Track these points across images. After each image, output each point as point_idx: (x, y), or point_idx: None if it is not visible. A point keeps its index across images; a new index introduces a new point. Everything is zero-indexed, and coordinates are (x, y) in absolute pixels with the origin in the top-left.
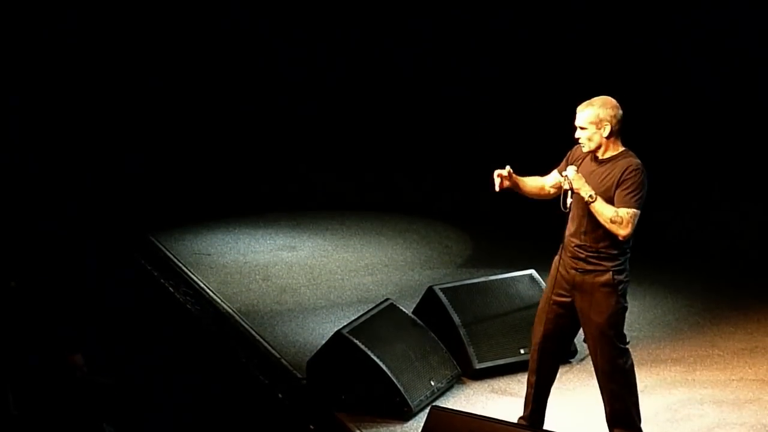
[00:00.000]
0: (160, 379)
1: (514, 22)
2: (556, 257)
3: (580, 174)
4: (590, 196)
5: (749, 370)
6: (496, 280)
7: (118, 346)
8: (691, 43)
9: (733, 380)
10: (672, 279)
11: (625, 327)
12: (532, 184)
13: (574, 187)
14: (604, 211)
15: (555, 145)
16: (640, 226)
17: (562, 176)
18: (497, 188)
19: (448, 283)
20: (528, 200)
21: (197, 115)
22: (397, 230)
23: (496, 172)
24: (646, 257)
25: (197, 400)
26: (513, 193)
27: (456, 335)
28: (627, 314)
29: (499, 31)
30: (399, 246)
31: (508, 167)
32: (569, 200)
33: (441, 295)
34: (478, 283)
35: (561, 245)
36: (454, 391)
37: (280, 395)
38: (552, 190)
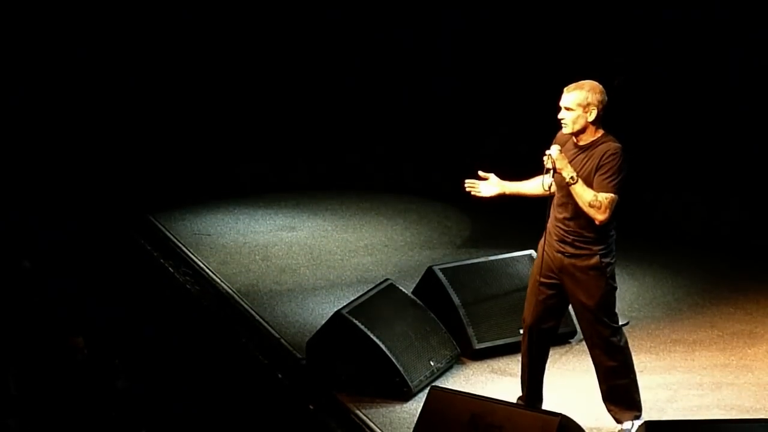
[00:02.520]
0: (160, 359)
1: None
2: (541, 240)
3: (563, 155)
4: (571, 177)
5: (748, 351)
6: (496, 260)
7: (117, 325)
8: (694, 32)
9: (732, 360)
10: (671, 260)
11: (624, 307)
12: (532, 185)
13: (557, 166)
14: (583, 194)
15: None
16: (641, 206)
17: (545, 155)
18: (472, 194)
19: (447, 263)
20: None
21: (198, 94)
22: (397, 211)
23: (468, 181)
24: (646, 238)
25: (197, 381)
26: (510, 198)
27: (455, 315)
28: (626, 294)
29: (492, 13)
30: (398, 226)
31: (490, 175)
32: (551, 180)
33: (440, 275)
34: (478, 263)
35: (547, 227)
36: (453, 371)
37: (279, 375)
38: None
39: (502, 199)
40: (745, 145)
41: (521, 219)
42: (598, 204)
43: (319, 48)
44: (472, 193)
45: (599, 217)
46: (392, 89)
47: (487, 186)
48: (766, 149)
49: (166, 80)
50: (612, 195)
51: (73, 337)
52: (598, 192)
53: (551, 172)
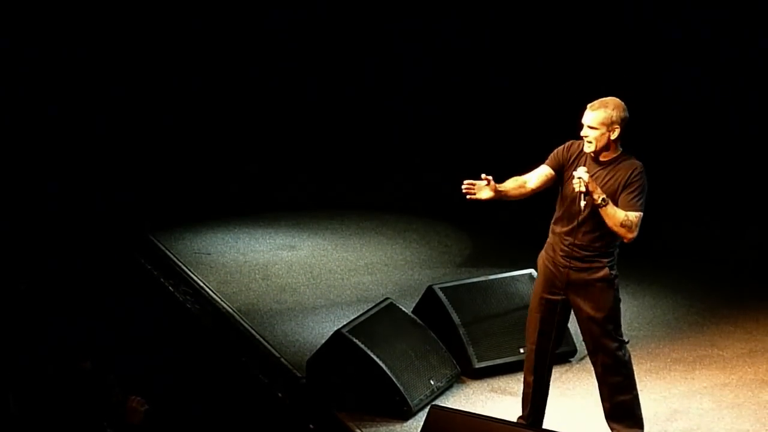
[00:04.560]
0: (160, 378)
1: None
2: (543, 254)
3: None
4: (603, 199)
5: (748, 370)
6: (496, 279)
7: (116, 345)
8: (686, 47)
9: (732, 380)
10: (672, 278)
11: (624, 326)
12: (512, 185)
13: (591, 189)
14: (616, 214)
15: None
16: (642, 225)
17: (575, 178)
18: (468, 197)
19: (447, 282)
20: (526, 199)
21: (197, 113)
22: (397, 230)
23: (467, 181)
24: (647, 257)
25: (197, 400)
26: (496, 202)
27: (455, 334)
28: (627, 314)
29: (496, 29)
30: (398, 245)
31: (490, 177)
32: (583, 202)
33: (440, 294)
34: (478, 282)
35: (548, 243)
36: (453, 390)
37: (279, 394)
38: (532, 187)
39: (503, 217)
40: (745, 164)
41: (521, 238)
42: (629, 224)
43: (319, 66)
44: (469, 196)
45: (629, 235)
46: (393, 108)
47: (485, 190)
48: (764, 168)
49: (166, 100)
50: (640, 213)
51: (80, 360)
52: (627, 210)
53: (583, 195)
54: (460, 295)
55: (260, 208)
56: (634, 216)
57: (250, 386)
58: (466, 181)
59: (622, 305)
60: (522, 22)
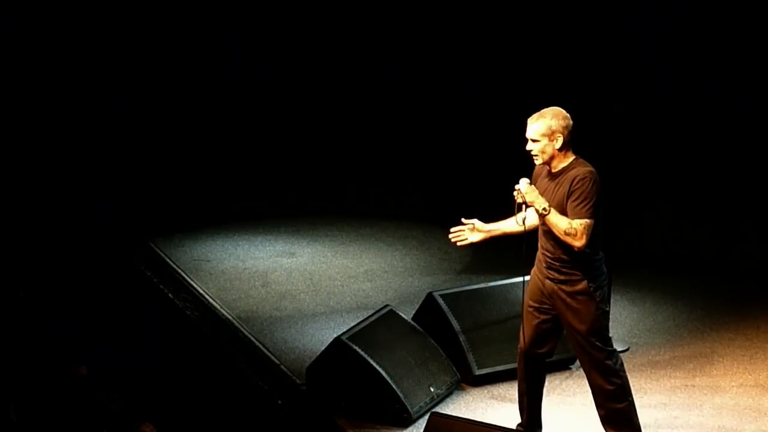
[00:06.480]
0: (160, 385)
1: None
2: (534, 268)
3: (533, 186)
4: (543, 208)
5: (749, 377)
6: (496, 286)
7: (116, 352)
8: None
9: (732, 386)
10: (672, 285)
11: (624, 333)
12: (510, 225)
13: (528, 199)
14: (558, 223)
15: None
16: (642, 231)
17: (515, 190)
18: (459, 244)
19: (447, 289)
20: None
21: (197, 120)
22: (397, 236)
23: (453, 229)
24: (647, 264)
25: (197, 407)
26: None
27: (455, 341)
28: (627, 320)
29: (490, 34)
30: (398, 252)
31: (473, 221)
32: (523, 214)
33: (440, 301)
34: (478, 289)
35: (537, 255)
36: (453, 397)
37: (279, 401)
38: (533, 223)
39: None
40: (745, 170)
41: (521, 245)
42: (573, 231)
43: (317, 74)
44: (458, 243)
45: (576, 243)
46: (392, 115)
47: (474, 234)
48: (765, 175)
49: (166, 106)
50: (586, 220)
51: (76, 366)
52: (573, 219)
53: (523, 206)
54: (460, 302)
55: (260, 215)
56: (578, 224)
57: (249, 393)
58: (452, 229)
59: (622, 312)
60: (524, 26)
